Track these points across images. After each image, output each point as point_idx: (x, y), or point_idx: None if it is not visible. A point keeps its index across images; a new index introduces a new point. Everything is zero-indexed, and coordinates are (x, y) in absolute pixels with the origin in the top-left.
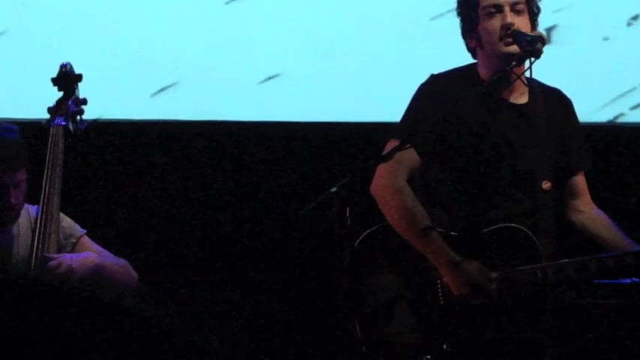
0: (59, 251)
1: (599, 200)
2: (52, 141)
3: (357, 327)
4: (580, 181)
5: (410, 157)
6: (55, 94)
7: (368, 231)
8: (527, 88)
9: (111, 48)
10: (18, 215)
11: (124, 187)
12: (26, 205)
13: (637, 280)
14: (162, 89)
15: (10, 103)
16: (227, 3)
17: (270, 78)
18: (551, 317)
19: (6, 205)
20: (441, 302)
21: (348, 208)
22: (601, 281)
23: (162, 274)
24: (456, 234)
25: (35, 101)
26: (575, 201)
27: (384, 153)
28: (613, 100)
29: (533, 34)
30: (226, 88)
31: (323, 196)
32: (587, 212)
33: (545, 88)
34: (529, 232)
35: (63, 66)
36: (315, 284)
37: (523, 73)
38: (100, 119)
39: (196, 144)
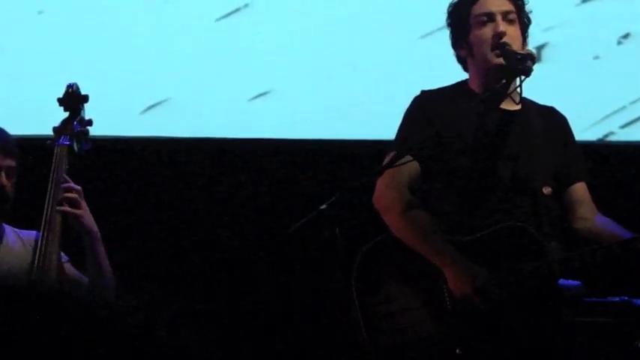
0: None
1: None
2: (56, 160)
3: (367, 339)
4: (581, 189)
5: (409, 166)
6: (60, 114)
7: (369, 244)
8: (518, 99)
9: (100, 65)
10: (7, 201)
11: (113, 204)
12: (17, 230)
13: (626, 298)
14: (152, 106)
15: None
16: (217, 20)
17: (260, 95)
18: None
19: None
20: (449, 307)
21: (337, 226)
22: (590, 300)
23: (153, 290)
24: (458, 238)
25: (31, 119)
26: (579, 209)
27: (383, 164)
28: (603, 119)
29: (523, 52)
30: (216, 105)
31: (313, 213)
32: (592, 219)
33: (539, 107)
34: (531, 229)
35: (69, 86)
36: (304, 301)
37: (513, 91)
38: (90, 136)
39: (186, 161)
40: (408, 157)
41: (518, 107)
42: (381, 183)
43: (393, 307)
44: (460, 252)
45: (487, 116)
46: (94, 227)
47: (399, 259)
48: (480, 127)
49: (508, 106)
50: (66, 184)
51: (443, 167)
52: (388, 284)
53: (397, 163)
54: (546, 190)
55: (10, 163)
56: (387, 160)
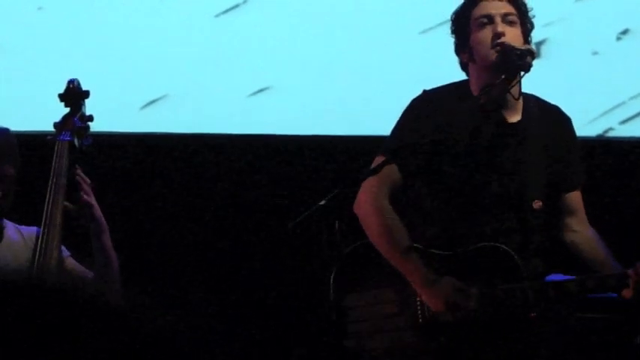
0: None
1: (587, 215)
2: (56, 156)
3: (337, 340)
4: (575, 198)
5: (392, 173)
6: (61, 110)
7: (350, 247)
8: (520, 106)
9: (101, 61)
10: (3, 212)
11: (113, 200)
12: (18, 226)
13: None
14: (152, 102)
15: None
16: (217, 16)
17: (259, 91)
18: (540, 333)
19: None
20: (420, 321)
21: (337, 222)
22: (590, 296)
23: (151, 287)
24: (436, 252)
25: (32, 115)
26: (570, 219)
27: (370, 168)
28: (602, 115)
29: (522, 47)
30: (216, 100)
31: (312, 209)
32: (580, 232)
33: (543, 105)
34: (511, 251)
35: (70, 82)
36: (303, 297)
37: (512, 86)
38: (90, 132)
39: (186, 157)
40: (392, 164)
41: (518, 118)
42: (362, 191)
43: (368, 312)
44: (437, 265)
45: (482, 128)
46: (102, 219)
47: (378, 266)
48: (475, 137)
49: (509, 116)
50: (82, 182)
51: (433, 173)
52: (366, 289)
53: (383, 168)
54: (536, 205)
55: (7, 170)
56: (376, 163)
